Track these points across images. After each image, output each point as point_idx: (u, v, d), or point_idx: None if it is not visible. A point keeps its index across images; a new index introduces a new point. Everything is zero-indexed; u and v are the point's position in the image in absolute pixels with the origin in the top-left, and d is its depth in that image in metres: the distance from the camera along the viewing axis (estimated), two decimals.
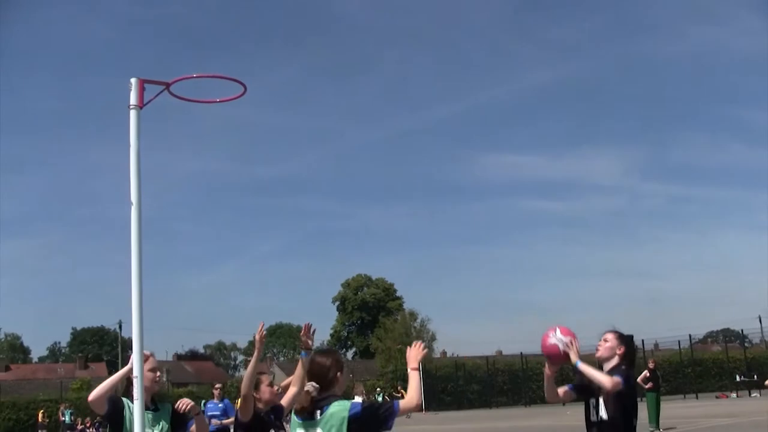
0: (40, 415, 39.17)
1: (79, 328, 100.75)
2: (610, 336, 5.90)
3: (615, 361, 5.80)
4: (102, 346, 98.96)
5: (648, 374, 23.33)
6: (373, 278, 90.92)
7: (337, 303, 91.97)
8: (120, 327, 70.55)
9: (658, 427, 21.10)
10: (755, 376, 37.47)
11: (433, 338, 61.33)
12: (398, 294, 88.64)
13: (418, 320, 61.31)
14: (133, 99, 4.60)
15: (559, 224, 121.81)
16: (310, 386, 4.41)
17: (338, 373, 4.46)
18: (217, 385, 15.85)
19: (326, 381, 4.40)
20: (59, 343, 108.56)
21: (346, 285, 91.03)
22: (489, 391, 50.00)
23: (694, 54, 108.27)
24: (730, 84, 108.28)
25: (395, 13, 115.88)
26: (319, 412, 4.31)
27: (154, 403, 5.58)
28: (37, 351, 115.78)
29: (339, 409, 4.24)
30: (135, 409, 4.37)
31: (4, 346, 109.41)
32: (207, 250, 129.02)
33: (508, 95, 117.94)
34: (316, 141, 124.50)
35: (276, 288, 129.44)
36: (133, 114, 4.60)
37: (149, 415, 5.35)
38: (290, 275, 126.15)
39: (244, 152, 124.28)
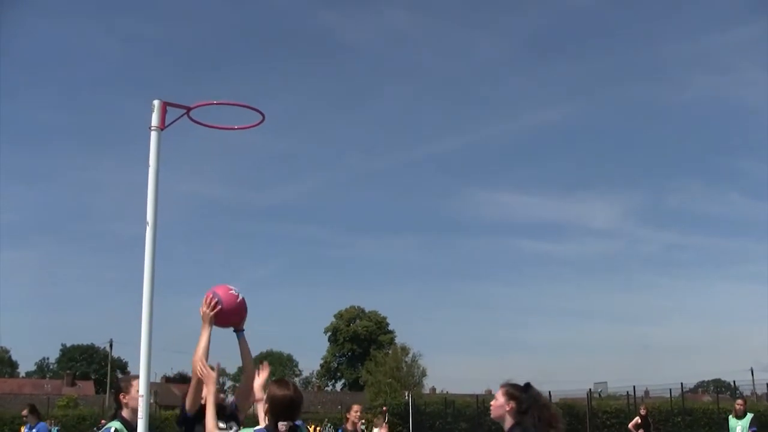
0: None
1: (68, 345, 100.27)
2: (498, 393, 5.45)
3: (508, 420, 5.31)
4: (90, 364, 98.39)
5: (639, 421, 23.31)
6: (366, 311, 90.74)
7: (329, 334, 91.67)
8: (111, 346, 70.34)
9: None
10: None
11: (423, 374, 61.04)
12: (390, 327, 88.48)
13: (410, 355, 61.08)
14: (155, 121, 4.67)
15: (555, 265, 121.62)
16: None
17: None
18: None
19: None
20: (47, 358, 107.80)
21: (339, 316, 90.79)
22: (477, 429, 49.70)
23: (696, 102, 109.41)
24: (730, 133, 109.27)
25: (401, 45, 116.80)
26: None
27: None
28: (25, 366, 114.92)
29: None
30: (139, 427, 4.41)
31: None
32: (199, 273, 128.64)
33: (509, 133, 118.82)
34: (315, 169, 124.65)
35: (268, 315, 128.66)
36: (154, 135, 4.67)
37: None
38: (283, 303, 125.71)
39: (242, 177, 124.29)
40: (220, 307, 4.97)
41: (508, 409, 5.27)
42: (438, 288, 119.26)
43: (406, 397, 50.29)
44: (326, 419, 45.69)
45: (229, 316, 5.09)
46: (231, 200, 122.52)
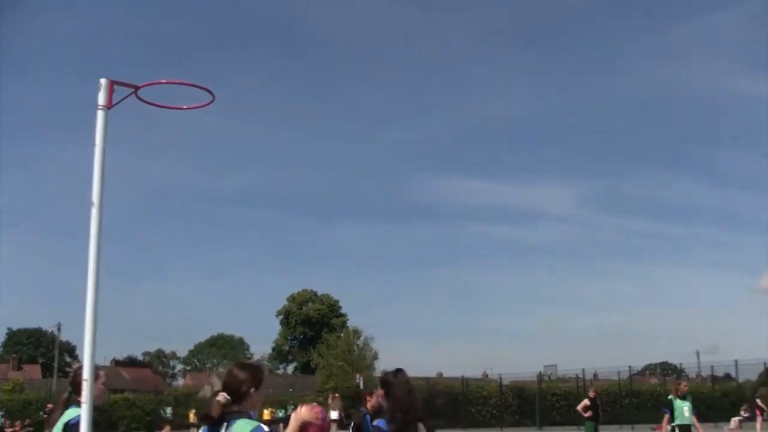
0: None
1: (15, 329, 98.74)
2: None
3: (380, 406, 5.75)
4: (38, 348, 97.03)
5: (588, 403, 23.59)
6: (319, 294, 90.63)
7: (281, 317, 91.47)
8: (59, 329, 69.44)
9: None
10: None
11: (375, 357, 61.13)
12: (343, 311, 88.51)
13: (362, 338, 61.15)
14: (101, 99, 4.55)
15: (512, 251, 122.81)
16: (222, 396, 4.36)
17: (252, 389, 4.39)
18: None
19: (238, 394, 4.35)
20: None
21: (291, 299, 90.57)
22: (427, 412, 50.01)
23: (652, 90, 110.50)
24: (688, 122, 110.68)
25: (368, 32, 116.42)
26: (225, 425, 4.27)
27: None
28: None
29: (243, 428, 4.19)
30: (83, 413, 4.30)
31: None
32: (154, 256, 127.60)
33: (471, 120, 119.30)
34: (275, 154, 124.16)
35: (221, 298, 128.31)
36: (100, 114, 4.54)
37: None
38: (237, 287, 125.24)
39: (199, 161, 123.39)
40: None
41: (379, 394, 5.65)
42: (394, 273, 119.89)
43: (357, 380, 50.34)
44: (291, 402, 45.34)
45: None
46: (187, 184, 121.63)
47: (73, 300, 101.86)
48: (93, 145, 4.50)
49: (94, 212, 4.47)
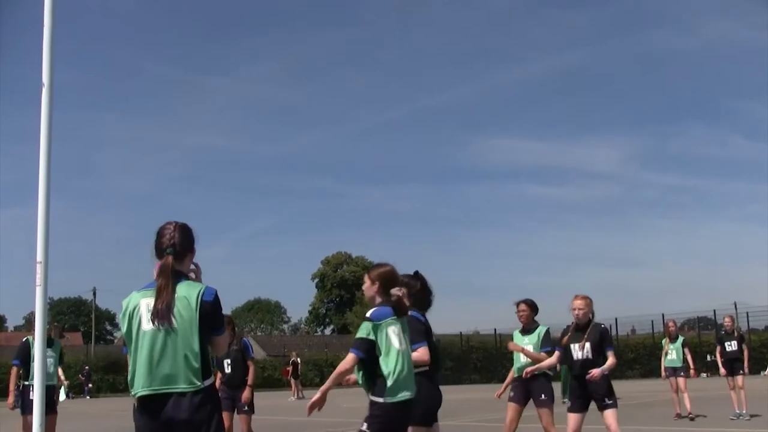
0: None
1: (56, 299, 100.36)
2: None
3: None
4: (79, 317, 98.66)
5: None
6: (353, 256, 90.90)
7: (316, 280, 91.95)
8: (94, 294, 70.39)
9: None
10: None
11: None
12: None
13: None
14: None
15: (554, 209, 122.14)
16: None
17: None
18: None
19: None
20: (34, 313, 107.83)
21: (326, 262, 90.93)
22: (463, 367, 50.11)
23: (699, 47, 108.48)
24: (732, 77, 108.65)
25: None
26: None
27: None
28: (14, 320, 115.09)
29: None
30: (37, 294, 4.24)
31: None
32: (196, 225, 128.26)
33: (513, 81, 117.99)
34: (312, 118, 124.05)
35: (259, 264, 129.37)
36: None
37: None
38: (275, 252, 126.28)
39: (238, 128, 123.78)
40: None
41: (401, 293, 5.51)
42: (431, 233, 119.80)
43: None
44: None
45: None
46: (224, 151, 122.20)
47: (109, 269, 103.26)
48: (42, 26, 4.42)
49: (45, 93, 4.39)
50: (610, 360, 8.13)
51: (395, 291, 5.14)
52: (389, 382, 4.87)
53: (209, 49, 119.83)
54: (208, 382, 3.94)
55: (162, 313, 3.88)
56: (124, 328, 3.99)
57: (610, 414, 8.04)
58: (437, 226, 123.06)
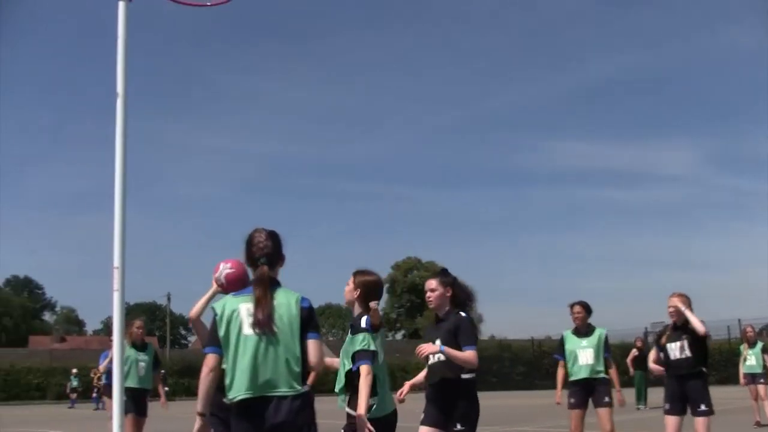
0: (95, 380, 40.12)
1: (132, 303, 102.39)
2: (433, 282, 5.93)
3: (448, 304, 5.86)
4: (154, 321, 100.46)
5: (637, 353, 23.11)
6: (423, 261, 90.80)
7: (387, 285, 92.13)
8: (168, 299, 71.61)
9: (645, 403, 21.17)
10: None
11: (480, 320, 60.98)
12: None
13: None
14: None
15: (626, 213, 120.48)
16: (375, 303, 4.90)
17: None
18: None
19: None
20: (112, 317, 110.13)
21: (396, 267, 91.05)
22: (535, 373, 49.68)
23: None
24: None
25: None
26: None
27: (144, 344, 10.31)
28: (92, 324, 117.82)
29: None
30: (114, 299, 4.34)
31: (60, 319, 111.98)
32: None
33: (584, 82, 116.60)
34: (379, 123, 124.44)
35: (329, 269, 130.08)
36: (121, 6, 4.59)
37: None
38: (345, 257, 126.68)
39: (307, 135, 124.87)
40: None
41: (448, 295, 5.86)
42: (501, 237, 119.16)
43: None
44: None
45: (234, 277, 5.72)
46: (292, 158, 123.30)
47: (182, 274, 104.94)
48: (116, 36, 4.53)
49: (120, 103, 4.49)
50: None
51: (373, 304, 5.14)
52: (379, 396, 4.92)
53: (272, 56, 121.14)
54: (306, 387, 4.04)
55: (263, 322, 3.97)
56: (221, 332, 4.02)
57: (701, 422, 7.86)
58: (507, 231, 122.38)
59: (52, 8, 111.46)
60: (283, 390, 3.93)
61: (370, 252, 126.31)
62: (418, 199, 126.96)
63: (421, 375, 6.12)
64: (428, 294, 5.89)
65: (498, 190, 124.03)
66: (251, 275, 4.24)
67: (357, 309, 5.20)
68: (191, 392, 46.75)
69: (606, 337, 9.03)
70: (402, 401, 5.91)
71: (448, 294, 5.80)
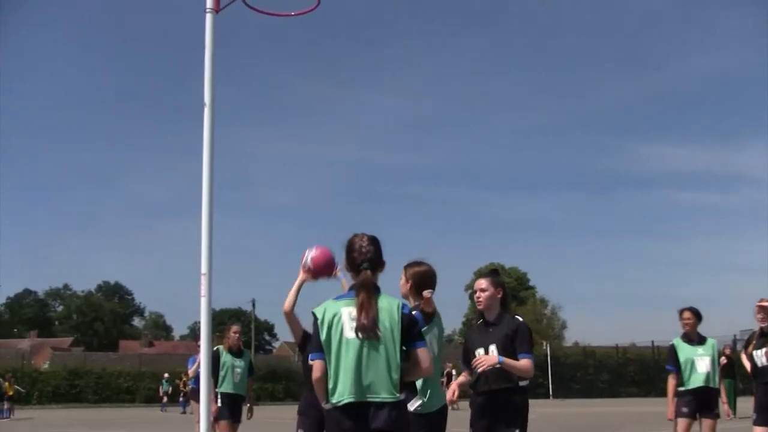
0: (182, 384, 41.02)
1: (217, 309, 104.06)
2: (484, 282, 5.76)
3: (497, 305, 5.72)
4: None
5: (726, 361, 22.48)
6: (506, 267, 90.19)
7: (469, 291, 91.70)
8: (253, 305, 72.59)
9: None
10: None
11: (563, 326, 60.53)
12: (531, 284, 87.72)
13: (549, 307, 60.51)
14: (209, 2, 4.71)
15: (710, 216, 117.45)
16: (428, 292, 4.87)
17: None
18: None
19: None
20: (198, 322, 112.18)
21: (479, 273, 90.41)
22: (619, 380, 48.92)
23: None
24: None
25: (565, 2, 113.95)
26: None
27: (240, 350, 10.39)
28: (179, 329, 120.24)
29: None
30: (202, 305, 4.44)
31: (149, 324, 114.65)
32: (344, 235, 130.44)
33: (667, 85, 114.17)
34: (459, 129, 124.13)
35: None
36: (209, 17, 4.70)
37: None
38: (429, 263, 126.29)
39: (384, 141, 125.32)
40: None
41: (499, 296, 5.70)
42: (584, 243, 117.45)
43: (545, 348, 49.81)
44: None
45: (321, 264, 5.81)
46: (370, 165, 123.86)
47: (267, 280, 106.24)
48: (203, 48, 4.65)
49: (207, 112, 4.61)
50: None
51: (426, 292, 5.02)
52: (428, 392, 4.85)
53: (354, 63, 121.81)
54: (403, 395, 4.02)
55: (367, 328, 3.94)
56: (322, 336, 4.00)
57: None
58: (590, 235, 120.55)
59: (139, 20, 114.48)
60: (383, 396, 3.92)
61: (454, 257, 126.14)
62: (499, 204, 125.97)
63: (466, 376, 5.88)
64: (478, 294, 5.73)
65: (582, 194, 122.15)
66: (340, 265, 4.26)
67: (412, 302, 5.10)
68: (275, 397, 47.40)
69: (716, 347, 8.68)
70: (454, 407, 5.81)
71: (499, 295, 5.67)
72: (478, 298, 5.71)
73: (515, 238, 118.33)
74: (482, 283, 5.72)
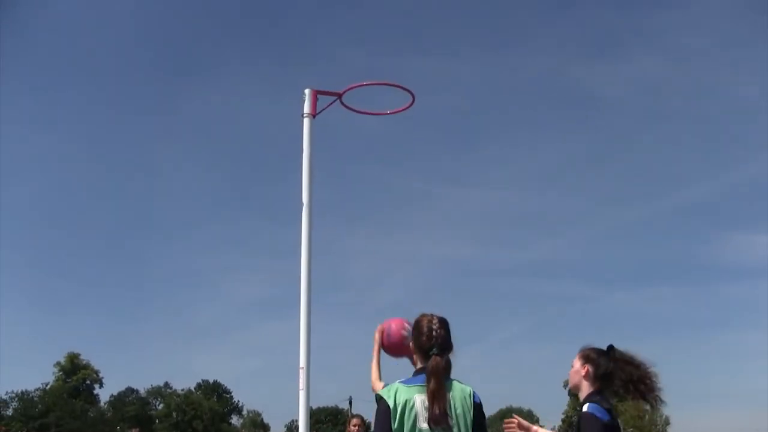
0: None
1: (315, 407, 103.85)
2: (575, 360, 4.94)
3: (585, 387, 4.84)
4: (336, 426, 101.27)
5: None
6: None
7: (569, 387, 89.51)
8: (350, 403, 72.27)
9: None
10: None
11: (666, 422, 58.26)
12: None
13: None
14: (306, 108, 4.96)
15: None
16: None
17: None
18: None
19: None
20: (295, 420, 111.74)
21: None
22: None
23: None
24: None
25: (650, 92, 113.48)
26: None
27: None
28: (276, 427, 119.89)
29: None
30: (300, 398, 4.55)
31: (247, 422, 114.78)
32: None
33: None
34: (564, 224, 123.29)
35: (509, 371, 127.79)
36: (306, 122, 4.95)
37: None
38: (525, 359, 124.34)
39: (489, 236, 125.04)
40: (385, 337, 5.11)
41: (583, 373, 4.82)
42: (684, 336, 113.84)
43: None
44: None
45: (391, 350, 5.14)
46: (473, 260, 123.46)
47: (363, 378, 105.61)
48: (301, 151, 4.89)
49: (305, 212, 4.81)
50: None
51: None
52: None
53: (446, 161, 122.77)
54: None
55: (439, 418, 3.85)
56: (394, 425, 3.87)
57: None
58: (691, 329, 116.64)
59: (231, 124, 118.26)
60: None
61: (552, 353, 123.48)
62: (596, 298, 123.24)
63: None
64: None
65: (680, 287, 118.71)
66: (411, 345, 4.14)
67: (585, 390, 4.76)
68: None
69: None
70: None
71: (583, 371, 4.81)
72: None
73: (613, 332, 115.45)
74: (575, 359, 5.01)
